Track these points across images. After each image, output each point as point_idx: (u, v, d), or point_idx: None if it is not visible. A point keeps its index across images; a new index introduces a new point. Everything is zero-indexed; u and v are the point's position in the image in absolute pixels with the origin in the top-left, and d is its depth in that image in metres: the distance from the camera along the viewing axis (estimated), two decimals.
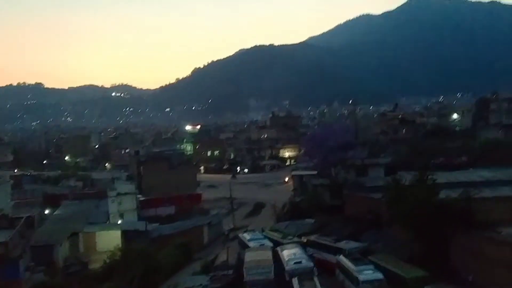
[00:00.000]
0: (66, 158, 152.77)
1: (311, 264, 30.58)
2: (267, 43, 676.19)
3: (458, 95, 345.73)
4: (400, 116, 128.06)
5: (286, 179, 73.69)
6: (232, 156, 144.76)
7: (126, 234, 50.41)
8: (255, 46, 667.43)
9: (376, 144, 75.06)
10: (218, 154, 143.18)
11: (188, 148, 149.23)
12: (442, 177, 36.31)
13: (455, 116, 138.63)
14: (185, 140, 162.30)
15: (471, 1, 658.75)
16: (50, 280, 38.54)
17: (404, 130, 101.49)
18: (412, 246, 31.08)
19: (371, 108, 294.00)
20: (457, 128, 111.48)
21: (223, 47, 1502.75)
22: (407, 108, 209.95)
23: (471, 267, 26.10)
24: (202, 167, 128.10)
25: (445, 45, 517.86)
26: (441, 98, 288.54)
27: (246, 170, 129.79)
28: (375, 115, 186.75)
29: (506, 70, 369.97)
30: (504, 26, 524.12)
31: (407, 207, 30.19)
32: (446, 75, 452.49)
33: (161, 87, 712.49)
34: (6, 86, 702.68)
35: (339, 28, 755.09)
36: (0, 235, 28.51)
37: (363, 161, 51.87)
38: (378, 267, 27.50)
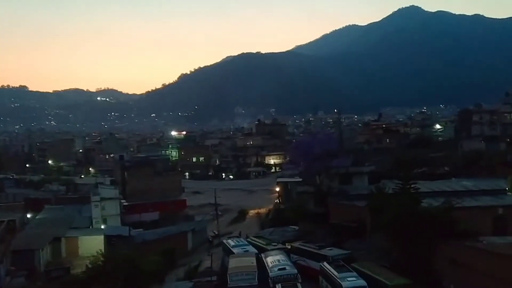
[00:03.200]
0: (50, 162, 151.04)
1: (295, 270, 30.72)
2: (254, 50, 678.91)
3: (442, 106, 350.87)
4: (384, 126, 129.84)
5: (276, 188, 73.92)
6: (217, 163, 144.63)
7: (109, 240, 50.00)
8: (243, 54, 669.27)
9: (360, 152, 75.87)
10: (203, 160, 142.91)
11: (173, 154, 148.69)
12: (424, 186, 36.97)
13: (438, 126, 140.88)
14: (170, 146, 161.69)
15: (455, 14, 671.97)
16: (31, 285, 38.10)
17: (387, 140, 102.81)
18: (395, 254, 31.46)
19: (355, 117, 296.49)
20: (440, 139, 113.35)
21: (211, 54, 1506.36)
22: (391, 118, 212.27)
23: (453, 275, 26.47)
24: (187, 173, 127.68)
25: (430, 57, 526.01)
26: (424, 109, 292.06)
27: (231, 177, 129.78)
28: (360, 125, 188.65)
29: (489, 82, 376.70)
30: (488, 38, 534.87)
31: (390, 215, 30.53)
32: (430, 86, 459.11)
33: (147, 93, 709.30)
34: None
35: (325, 38, 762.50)
36: None
37: (347, 169, 52.27)
38: (361, 274, 27.74)
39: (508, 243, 27.71)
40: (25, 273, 40.55)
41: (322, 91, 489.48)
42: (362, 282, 26.52)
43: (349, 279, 26.93)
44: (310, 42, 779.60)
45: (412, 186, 33.54)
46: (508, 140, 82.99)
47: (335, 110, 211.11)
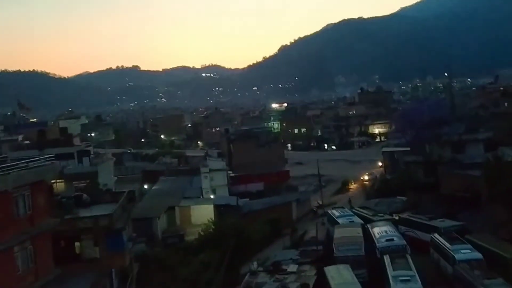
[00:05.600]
0: (162, 136, 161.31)
1: (404, 242, 29.93)
2: (356, 16, 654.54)
3: None
4: (502, 89, 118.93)
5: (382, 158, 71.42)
6: (319, 133, 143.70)
7: (219, 209, 52.25)
8: (343, 20, 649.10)
9: (475, 119, 70.45)
10: (305, 131, 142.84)
11: (275, 126, 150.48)
12: None
13: None
14: (272, 118, 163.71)
15: None
16: (150, 250, 41.37)
17: (506, 104, 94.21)
18: None
19: (469, 81, 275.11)
20: None
21: (310, 23, 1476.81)
22: (510, 79, 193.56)
23: None
24: (289, 145, 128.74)
25: None
26: None
27: (333, 147, 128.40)
28: (474, 88, 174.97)
29: None
30: None
31: (508, 185, 28.32)
32: None
33: (249, 66, 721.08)
34: (107, 70, 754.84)
35: None
36: (105, 208, 30.96)
37: (460, 136, 49.17)
38: (476, 247, 26.20)
39: None
40: (145, 239, 43.98)
41: (430, 54, 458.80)
42: (477, 255, 25.09)
43: (463, 251, 25.64)
44: (416, 3, 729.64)
45: None
46: None
47: (446, 74, 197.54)
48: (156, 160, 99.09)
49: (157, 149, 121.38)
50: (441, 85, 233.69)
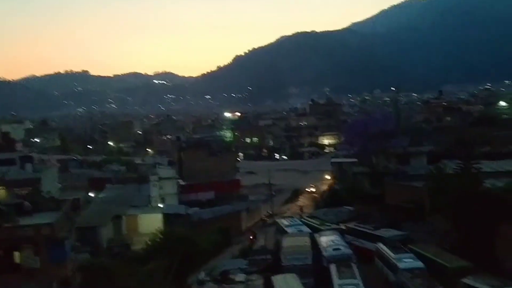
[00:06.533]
0: (110, 143, 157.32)
1: (350, 251, 30.40)
2: (309, 29, 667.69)
3: (507, 82, 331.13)
4: (444, 104, 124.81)
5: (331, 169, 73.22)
6: (271, 143, 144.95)
7: (167, 217, 51.39)
8: (297, 33, 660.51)
9: (419, 132, 73.36)
10: (257, 141, 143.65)
11: (228, 135, 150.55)
12: (487, 166, 35.24)
13: (502, 103, 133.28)
14: (224, 127, 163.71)
15: None
16: (94, 260, 39.99)
17: (448, 118, 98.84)
18: (454, 236, 30.36)
19: (414, 95, 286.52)
20: (505, 116, 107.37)
21: (265, 35, 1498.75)
22: (452, 95, 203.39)
23: None
24: (241, 154, 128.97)
25: (494, 30, 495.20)
26: (488, 85, 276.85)
27: (285, 157, 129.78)
28: (419, 103, 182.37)
29: None
30: None
31: (450, 196, 29.46)
32: (494, 61, 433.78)
33: (203, 75, 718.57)
34: (55, 74, 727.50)
35: (383, 14, 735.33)
36: (47, 216, 29.74)
37: (405, 149, 50.91)
38: (418, 256, 27.01)
39: None
40: (89, 249, 42.53)
41: (379, 69, 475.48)
42: (419, 264, 25.82)
43: (405, 260, 26.31)
44: (367, 19, 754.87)
45: (474, 166, 32.08)
46: None
47: (392, 88, 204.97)
48: (103, 167, 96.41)
49: (104, 156, 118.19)
50: (388, 99, 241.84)
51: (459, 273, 23.52)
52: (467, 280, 22.30)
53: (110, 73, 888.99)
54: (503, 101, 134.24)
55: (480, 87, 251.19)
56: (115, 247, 45.98)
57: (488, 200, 27.51)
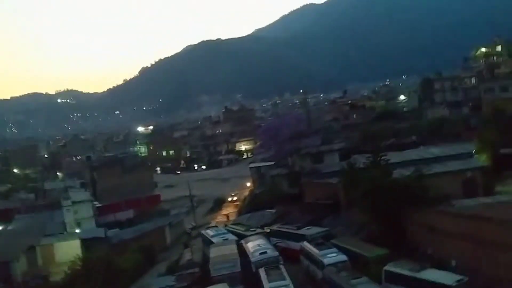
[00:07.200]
0: (15, 170, 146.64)
1: (276, 253, 30.88)
2: (214, 37, 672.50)
3: (404, 77, 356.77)
4: (349, 102, 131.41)
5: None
6: (188, 154, 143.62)
7: (86, 243, 49.18)
8: (202, 42, 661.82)
9: (329, 131, 76.62)
10: (173, 153, 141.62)
11: (142, 150, 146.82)
12: (394, 157, 37.59)
13: (402, 97, 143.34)
14: (138, 142, 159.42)
15: None
16: None
17: (354, 115, 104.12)
18: (370, 227, 31.99)
19: (321, 96, 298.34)
20: (405, 109, 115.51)
21: (170, 44, 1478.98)
22: (356, 93, 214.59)
23: (429, 241, 27.08)
24: (158, 168, 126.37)
25: (389, 29, 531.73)
26: (387, 81, 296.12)
27: (203, 167, 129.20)
28: (326, 103, 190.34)
29: (447, 49, 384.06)
30: (444, 5, 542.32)
31: (362, 189, 30.92)
32: (391, 59, 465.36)
33: (109, 90, 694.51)
34: None
35: (284, 19, 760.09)
36: None
37: (318, 148, 52.74)
38: (341, 250, 28.11)
39: (479, 204, 28.55)
40: (1, 285, 39.49)
41: (286, 73, 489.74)
42: (343, 257, 26.89)
43: (329, 255, 27.26)
44: (270, 25, 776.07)
45: (382, 158, 34.06)
46: (471, 104, 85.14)
47: (301, 91, 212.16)
48: (9, 196, 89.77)
49: (9, 184, 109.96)
50: (298, 101, 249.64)
51: (379, 262, 24.82)
52: (388, 267, 23.58)
53: (6, 96, 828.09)
54: (402, 95, 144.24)
55: (380, 84, 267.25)
56: (31, 280, 43.10)
57: (397, 189, 29.31)
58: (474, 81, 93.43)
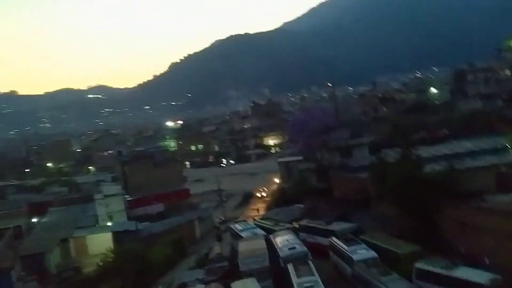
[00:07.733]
0: (48, 164, 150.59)
1: (305, 248, 30.74)
2: (242, 32, 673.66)
3: (435, 68, 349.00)
4: (379, 95, 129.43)
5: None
6: (216, 148, 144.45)
7: (117, 236, 50.04)
8: (231, 36, 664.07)
9: (358, 124, 75.56)
10: (202, 147, 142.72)
11: (171, 144, 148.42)
12: (425, 152, 36.86)
13: (433, 90, 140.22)
14: (167, 137, 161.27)
15: None
16: None
17: (384, 108, 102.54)
18: (401, 222, 31.47)
19: (350, 89, 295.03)
20: (437, 102, 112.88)
21: (199, 40, 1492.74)
22: (386, 86, 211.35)
23: (462, 238, 26.46)
24: (187, 162, 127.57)
25: (420, 20, 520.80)
26: (418, 73, 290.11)
27: (232, 162, 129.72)
28: (355, 96, 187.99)
29: (481, 41, 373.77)
30: None
31: (392, 184, 30.45)
32: (423, 50, 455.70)
33: (139, 85, 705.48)
34: None
35: (313, 11, 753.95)
36: None
37: (347, 142, 52.18)
38: (370, 246, 27.75)
39: None
40: (36, 277, 40.62)
41: (314, 66, 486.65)
42: (372, 254, 26.53)
43: (359, 251, 26.98)
44: (298, 18, 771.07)
45: (413, 152, 33.44)
46: (504, 96, 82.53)
47: (329, 84, 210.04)
48: (43, 190, 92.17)
49: (43, 178, 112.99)
50: (325, 94, 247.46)
51: (410, 258, 24.40)
52: (419, 265, 23.17)
53: (40, 91, 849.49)
54: (433, 87, 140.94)
55: (410, 76, 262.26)
56: (65, 272, 44.25)
57: (428, 184, 28.71)
58: (508, 73, 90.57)
